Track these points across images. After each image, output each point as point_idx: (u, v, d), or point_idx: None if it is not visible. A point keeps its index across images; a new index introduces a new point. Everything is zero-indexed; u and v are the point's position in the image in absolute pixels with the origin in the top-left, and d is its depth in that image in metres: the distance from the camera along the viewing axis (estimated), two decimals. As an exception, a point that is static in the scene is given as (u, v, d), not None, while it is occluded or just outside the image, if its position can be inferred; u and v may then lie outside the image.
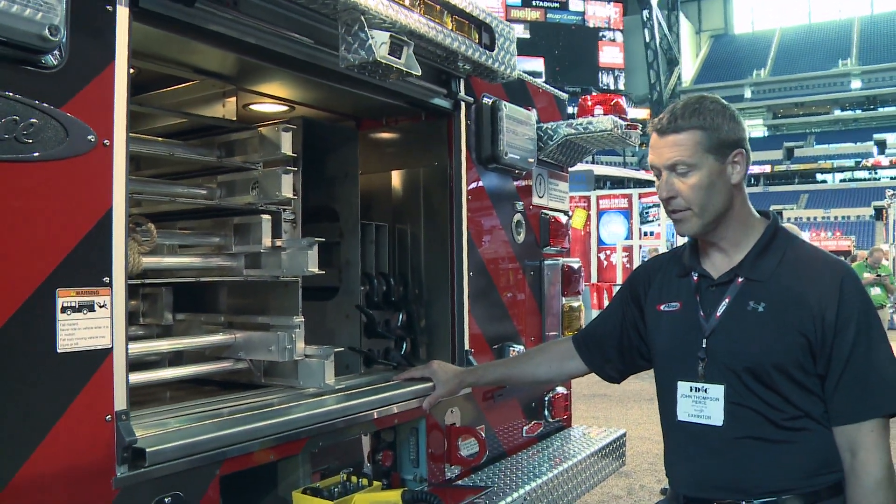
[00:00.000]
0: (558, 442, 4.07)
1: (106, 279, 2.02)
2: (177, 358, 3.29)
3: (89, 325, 1.97)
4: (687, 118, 2.14)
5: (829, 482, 2.09)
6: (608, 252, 22.43)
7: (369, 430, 2.95)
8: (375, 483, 2.68)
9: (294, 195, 3.05)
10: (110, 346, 2.02)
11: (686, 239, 2.36)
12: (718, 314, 2.17)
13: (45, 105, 1.86)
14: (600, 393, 10.74)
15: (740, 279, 2.18)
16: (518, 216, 3.96)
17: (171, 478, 2.16)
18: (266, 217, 2.94)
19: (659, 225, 21.38)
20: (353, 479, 2.63)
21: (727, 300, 2.17)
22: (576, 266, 4.34)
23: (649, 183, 24.61)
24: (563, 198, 4.49)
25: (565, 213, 4.47)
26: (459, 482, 3.32)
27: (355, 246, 3.48)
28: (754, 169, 77.14)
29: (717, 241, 2.23)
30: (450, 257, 3.48)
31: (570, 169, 4.65)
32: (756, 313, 2.12)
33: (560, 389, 4.29)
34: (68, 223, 1.94)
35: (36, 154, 1.84)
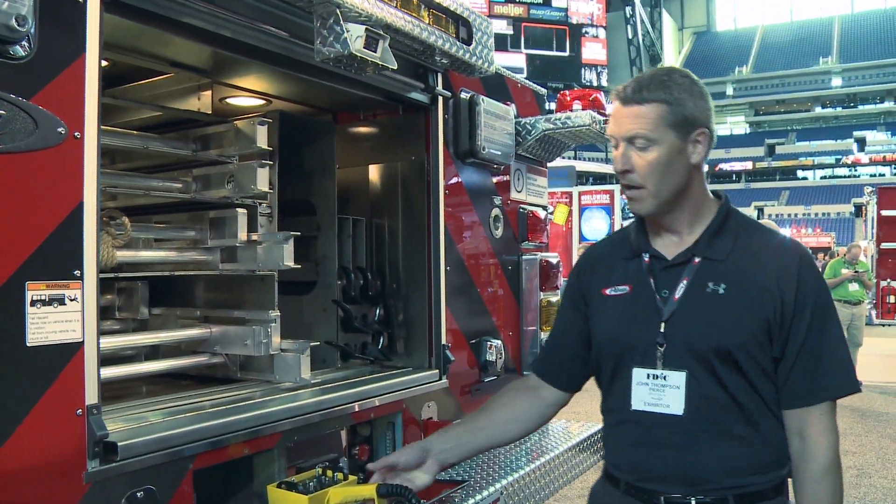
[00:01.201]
0: (537, 436, 4.06)
1: (77, 272, 2.00)
2: (153, 352, 3.28)
3: (60, 318, 1.96)
4: (653, 90, 2.02)
5: (776, 480, 2.04)
6: (590, 248, 22.40)
7: (345, 424, 2.95)
8: (351, 477, 2.67)
9: (270, 189, 3.04)
10: (81, 339, 2.00)
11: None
12: (676, 296, 2.04)
13: (13, 96, 1.84)
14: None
15: (697, 259, 2.07)
16: (496, 211, 3.96)
17: (143, 472, 2.15)
18: (242, 211, 2.93)
19: (641, 221, 21.37)
20: (329, 473, 2.62)
21: (685, 282, 2.05)
22: (554, 261, 4.35)
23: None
24: (541, 193, 4.49)
25: (544, 208, 4.47)
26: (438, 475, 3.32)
27: (332, 240, 3.47)
28: (736, 166, 77.48)
29: (669, 222, 2.12)
30: (427, 252, 3.48)
31: (551, 164, 4.65)
32: (717, 295, 2.02)
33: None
34: (38, 216, 1.92)
35: (3, 146, 1.82)
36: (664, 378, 2.03)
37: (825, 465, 2.00)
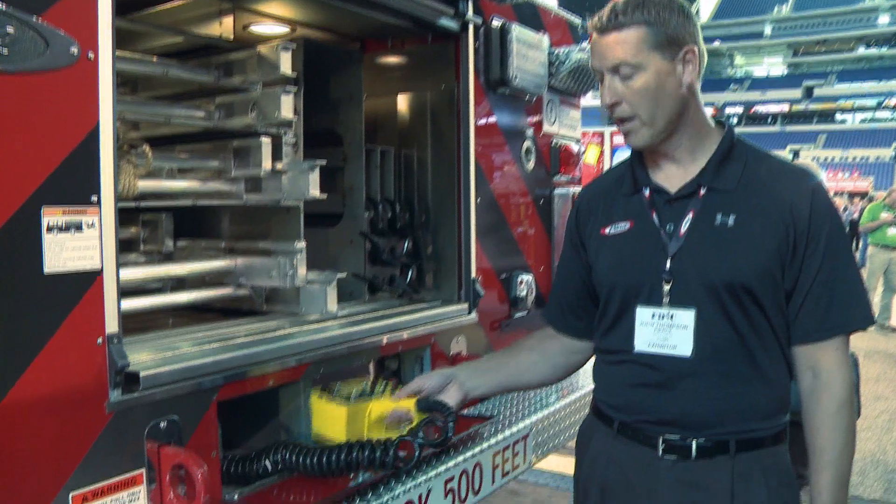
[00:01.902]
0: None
1: (94, 198, 1.94)
2: (178, 285, 3.24)
3: (77, 245, 1.90)
4: (629, 14, 1.87)
5: (777, 428, 1.95)
6: (622, 188, 22.26)
7: (373, 357, 2.90)
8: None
9: (294, 117, 2.95)
10: (100, 267, 1.95)
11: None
12: (683, 231, 1.93)
13: (22, 13, 1.76)
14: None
15: (703, 190, 1.95)
16: (528, 143, 3.85)
17: (166, 402, 2.11)
18: (266, 140, 2.85)
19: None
20: (379, 384, 2.55)
21: (691, 215, 1.93)
22: (587, 195, 4.24)
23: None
24: (574, 126, 4.37)
25: (577, 141, 4.35)
26: (464, 411, 3.27)
27: (359, 171, 3.39)
28: (771, 108, 76.08)
29: (670, 151, 1.98)
30: (457, 183, 3.40)
31: (583, 103, 4.52)
32: (726, 227, 1.90)
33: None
34: (52, 139, 1.85)
35: (13, 66, 1.75)
36: (671, 317, 1.93)
37: (840, 400, 1.90)
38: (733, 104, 79.89)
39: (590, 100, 4.79)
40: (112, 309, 1.98)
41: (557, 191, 4.10)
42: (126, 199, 2.59)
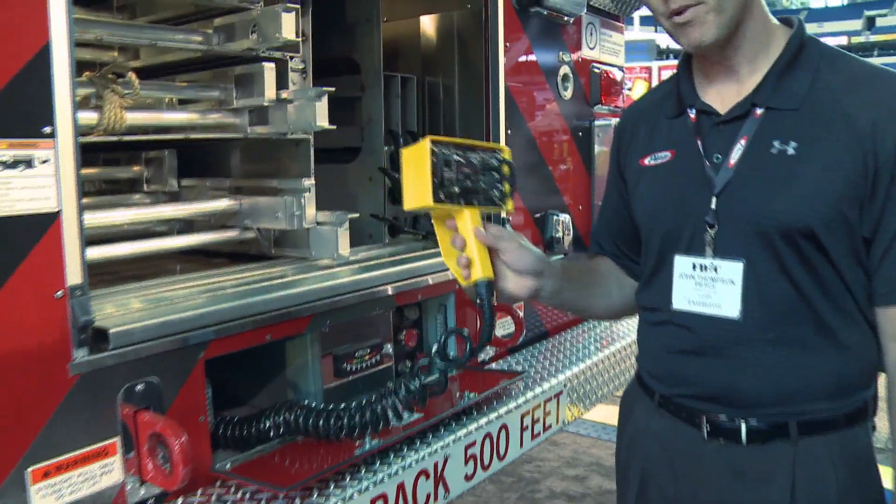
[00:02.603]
0: (607, 321, 3.71)
1: (47, 130, 1.66)
2: (187, 227, 3.00)
3: (28, 184, 1.64)
4: None
5: (854, 405, 1.59)
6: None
7: (388, 306, 2.62)
8: None
9: (301, 39, 2.64)
10: (57, 209, 1.69)
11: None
12: (732, 161, 1.57)
13: None
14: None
15: (760, 110, 1.58)
16: (565, 69, 3.50)
17: (143, 362, 1.86)
18: (269, 65, 2.54)
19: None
20: None
21: (743, 141, 1.57)
22: (631, 127, 3.88)
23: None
24: (617, 51, 4.00)
25: (620, 68, 3.98)
26: (493, 365, 3.01)
27: (378, 100, 3.07)
28: (829, 41, 73.49)
29: (726, 57, 1.61)
30: (485, 113, 3.08)
31: (629, 37, 4.15)
32: (785, 156, 1.53)
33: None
34: (-9, 59, 1.58)
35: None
36: (715, 269, 1.60)
37: None
38: (788, 36, 76.95)
39: (637, 32, 4.40)
40: (74, 257, 1.72)
41: (598, 122, 3.75)
42: (113, 133, 2.33)
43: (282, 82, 2.61)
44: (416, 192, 1.62)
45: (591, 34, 3.71)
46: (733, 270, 1.57)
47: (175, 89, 2.67)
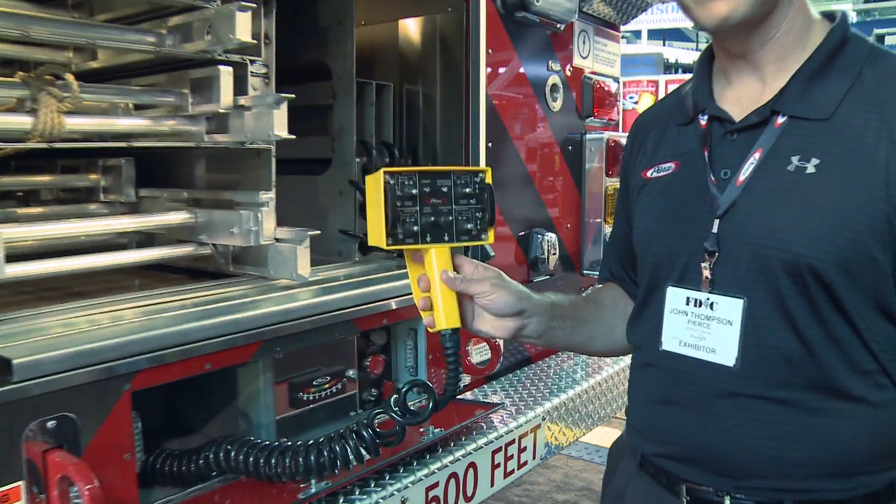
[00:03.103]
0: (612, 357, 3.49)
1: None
2: (149, 240, 2.81)
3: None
4: None
5: (871, 489, 1.31)
6: (676, 138, 21.50)
7: (348, 331, 2.42)
8: None
9: (264, 41, 2.45)
10: (-48, 223, 1.49)
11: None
12: (741, 178, 1.33)
13: None
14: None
15: (781, 118, 1.33)
16: (554, 78, 3.30)
17: (55, 396, 1.65)
18: (226, 69, 2.35)
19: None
20: None
21: (757, 154, 1.32)
22: (623, 142, 3.68)
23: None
24: (613, 61, 3.80)
25: (615, 79, 3.78)
26: (466, 395, 2.80)
27: (350, 109, 2.87)
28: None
29: (753, 47, 1.37)
30: (464, 125, 2.88)
31: (634, 51, 4.01)
32: (803, 175, 1.27)
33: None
34: None
35: None
36: (711, 306, 1.35)
37: None
38: (797, 52, 77.07)
39: (645, 46, 4.21)
40: (-29, 277, 1.52)
41: (589, 136, 3.55)
42: (51, 140, 2.13)
43: (241, 88, 2.42)
44: (375, 229, 1.43)
45: (584, 42, 3.51)
46: (732, 309, 1.33)
47: (127, 93, 2.47)
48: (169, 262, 2.60)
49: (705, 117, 1.44)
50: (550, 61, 3.29)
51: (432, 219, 1.43)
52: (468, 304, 1.48)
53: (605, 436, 5.13)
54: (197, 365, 1.93)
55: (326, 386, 2.42)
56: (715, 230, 1.35)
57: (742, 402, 1.32)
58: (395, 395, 1.62)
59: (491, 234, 1.50)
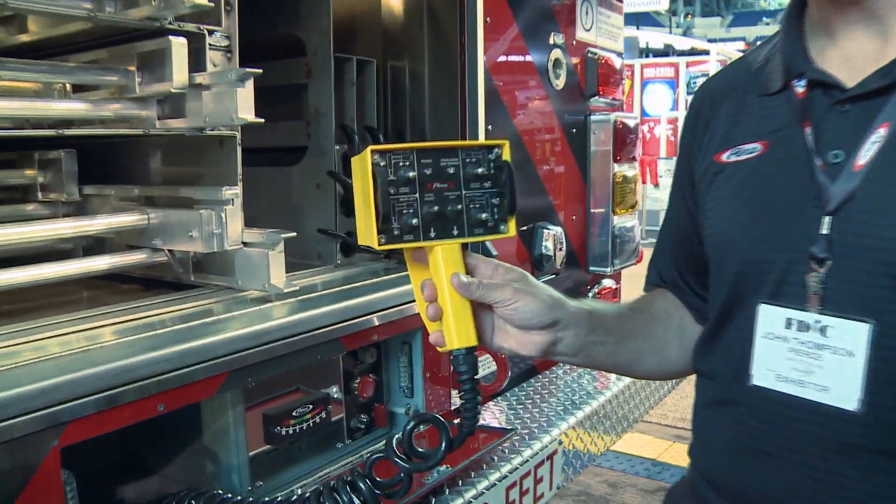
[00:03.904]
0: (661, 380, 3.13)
1: None
2: (97, 245, 2.42)
3: None
4: None
5: None
6: (652, 124, 21.26)
7: (333, 352, 2.03)
8: None
9: (225, 8, 2.05)
10: None
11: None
12: (861, 162, 1.02)
13: None
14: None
15: None
16: (557, 53, 2.93)
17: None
18: (179, 41, 1.95)
19: (708, 96, 20.25)
20: None
21: (882, 130, 1.02)
22: (632, 123, 3.31)
23: (695, 52, 23.18)
24: (615, 35, 3.43)
25: (619, 54, 3.41)
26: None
27: (328, 89, 2.47)
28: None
29: None
30: (460, 106, 2.50)
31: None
32: None
33: (607, 282, 3.35)
34: None
35: None
36: (822, 331, 1.03)
37: None
38: (765, 38, 77.66)
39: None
40: None
41: (594, 117, 3.18)
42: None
43: (198, 63, 2.02)
44: (364, 225, 1.11)
45: (587, 13, 3.13)
46: (854, 335, 1.00)
47: (61, 71, 2.07)
48: (118, 271, 2.21)
49: (802, 83, 1.11)
50: (553, 34, 2.91)
51: (436, 208, 1.13)
52: (485, 314, 1.18)
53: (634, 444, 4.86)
54: (146, 408, 1.53)
55: (308, 416, 2.03)
56: (825, 231, 1.03)
57: (866, 459, 1.00)
58: (397, 435, 1.28)
59: (512, 225, 1.19)
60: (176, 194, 2.16)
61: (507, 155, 1.18)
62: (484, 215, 1.15)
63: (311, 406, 2.04)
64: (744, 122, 1.20)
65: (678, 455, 5.02)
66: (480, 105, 2.47)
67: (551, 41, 2.90)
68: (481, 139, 2.47)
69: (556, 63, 2.92)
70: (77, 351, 1.54)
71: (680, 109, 21.01)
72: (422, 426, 1.25)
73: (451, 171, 1.13)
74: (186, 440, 1.93)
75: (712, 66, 18.90)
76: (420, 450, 1.30)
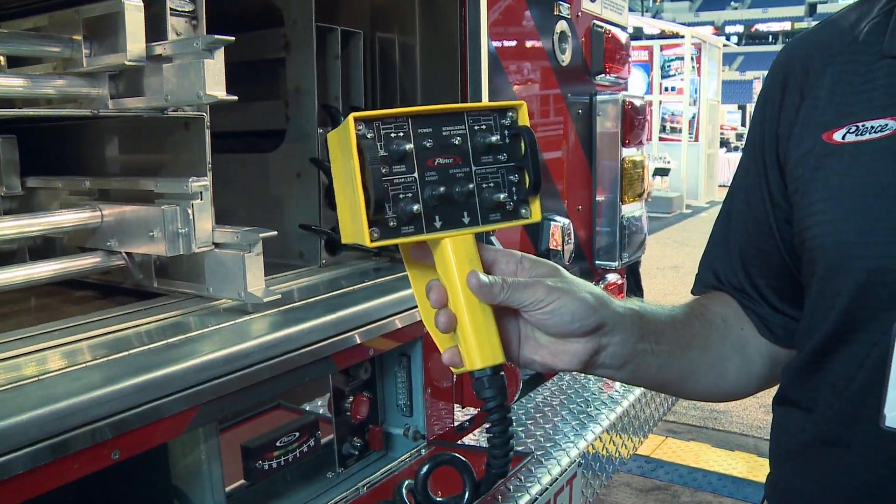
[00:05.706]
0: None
1: None
2: (46, 246, 2.11)
3: None
4: None
5: None
6: (627, 108, 21.15)
7: (323, 371, 1.73)
8: None
9: (188, -33, 1.73)
10: None
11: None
12: None
13: None
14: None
15: None
16: (562, 25, 2.63)
17: None
18: (133, 4, 1.63)
19: (682, 80, 20.01)
20: None
21: None
22: (639, 104, 3.03)
23: (666, 36, 23.03)
24: (620, 8, 3.14)
25: (623, 29, 3.13)
26: (475, 437, 2.13)
27: (310, 63, 2.17)
28: (773, 26, 74.29)
29: None
30: (461, 82, 2.20)
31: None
32: None
33: (611, 277, 3.07)
34: None
35: None
36: None
37: None
38: (733, 23, 78.08)
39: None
40: None
41: (601, 97, 2.89)
42: None
43: (158, 31, 1.70)
44: (350, 217, 0.85)
45: (592, -19, 2.85)
46: None
47: (-7, 42, 1.74)
48: (68, 278, 1.89)
49: None
50: (558, 2, 2.61)
51: (441, 190, 0.87)
52: (509, 320, 0.93)
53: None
54: (98, 456, 1.22)
55: (295, 445, 1.73)
56: None
57: None
58: (408, 481, 1.00)
59: (537, 208, 0.93)
60: (134, 187, 1.85)
61: (524, 119, 0.92)
62: (501, 196, 0.90)
63: (297, 434, 1.74)
64: (862, 90, 0.93)
65: (671, 451, 4.82)
66: (484, 82, 2.18)
67: (557, 11, 2.60)
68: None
69: (562, 36, 2.63)
70: (9, 387, 1.22)
71: (654, 93, 20.83)
72: (437, 466, 0.96)
73: (457, 141, 0.88)
74: (152, 483, 1.63)
75: (687, 50, 18.70)
76: (438, 499, 1.01)
